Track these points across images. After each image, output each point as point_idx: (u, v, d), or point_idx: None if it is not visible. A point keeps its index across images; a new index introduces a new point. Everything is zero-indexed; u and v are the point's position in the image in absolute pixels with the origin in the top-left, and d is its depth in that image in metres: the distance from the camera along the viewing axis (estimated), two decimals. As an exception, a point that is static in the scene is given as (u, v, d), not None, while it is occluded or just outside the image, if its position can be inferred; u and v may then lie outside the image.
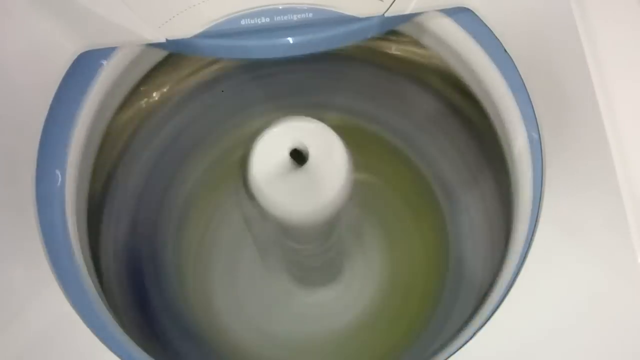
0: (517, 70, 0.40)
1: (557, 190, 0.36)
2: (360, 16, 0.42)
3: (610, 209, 0.32)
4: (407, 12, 0.42)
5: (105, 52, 0.41)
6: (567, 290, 0.33)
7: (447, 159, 0.62)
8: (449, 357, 0.33)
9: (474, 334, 0.33)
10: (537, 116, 0.39)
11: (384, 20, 0.42)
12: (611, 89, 0.33)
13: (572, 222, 0.34)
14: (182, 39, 0.41)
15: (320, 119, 0.42)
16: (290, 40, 0.42)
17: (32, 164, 0.37)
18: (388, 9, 0.42)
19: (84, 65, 0.41)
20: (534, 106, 0.39)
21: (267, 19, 0.41)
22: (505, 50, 0.41)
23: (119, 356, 0.33)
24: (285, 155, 0.39)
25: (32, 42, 0.38)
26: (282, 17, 0.41)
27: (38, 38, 0.38)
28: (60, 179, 0.39)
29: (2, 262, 0.33)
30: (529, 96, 0.40)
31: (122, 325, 0.38)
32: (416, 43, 0.48)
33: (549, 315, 0.33)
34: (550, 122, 0.38)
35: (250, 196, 0.41)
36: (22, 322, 0.32)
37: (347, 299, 0.70)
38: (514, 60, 0.41)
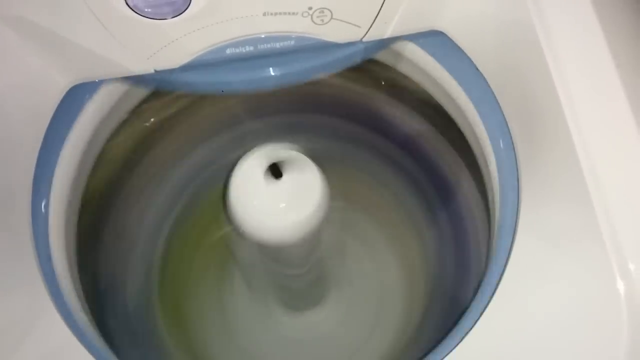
0: (490, 88, 0.42)
1: (532, 201, 0.37)
2: (340, 42, 0.44)
3: (583, 216, 0.33)
4: (386, 36, 0.44)
5: (96, 85, 0.43)
6: (547, 296, 0.34)
7: (425, 177, 0.64)
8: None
9: (456, 345, 0.34)
10: (510, 131, 0.41)
11: (364, 47, 0.44)
12: (576, 101, 0.35)
13: (548, 230, 0.36)
14: (170, 73, 0.42)
15: (294, 141, 0.44)
16: (275, 72, 0.44)
17: (27, 196, 0.38)
18: (365, 34, 0.44)
19: (75, 98, 0.42)
20: (507, 122, 0.41)
21: (252, 48, 0.43)
22: (477, 69, 0.43)
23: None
24: (260, 177, 0.41)
25: (24, 77, 0.39)
26: (265, 45, 0.43)
27: (30, 73, 0.39)
28: (51, 210, 0.40)
29: (3, 292, 0.34)
30: (501, 111, 0.41)
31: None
32: (394, 70, 0.50)
33: (530, 321, 0.34)
34: (522, 136, 0.40)
35: (231, 221, 0.42)
36: (26, 350, 0.33)
37: (333, 321, 0.71)
38: (486, 78, 0.43)
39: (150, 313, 0.62)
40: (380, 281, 0.72)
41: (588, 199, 0.32)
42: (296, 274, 0.58)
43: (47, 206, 0.39)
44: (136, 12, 0.37)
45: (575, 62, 0.35)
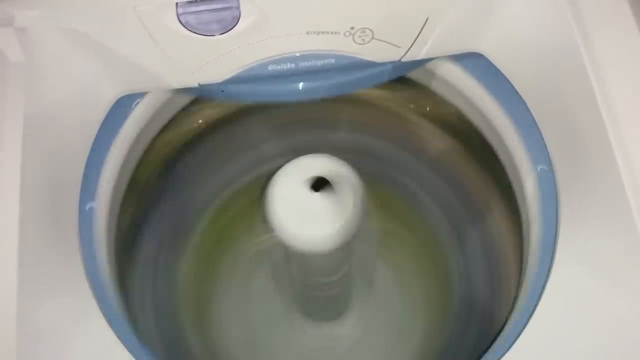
0: (529, 110, 0.42)
1: (572, 223, 0.37)
2: (380, 61, 0.45)
3: (626, 242, 0.33)
4: (420, 57, 0.45)
5: (141, 94, 0.44)
6: (588, 320, 0.34)
7: (454, 199, 0.64)
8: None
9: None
10: (549, 153, 0.41)
11: (399, 65, 0.45)
12: (622, 126, 0.35)
13: (590, 255, 0.35)
14: (213, 84, 0.44)
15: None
16: (303, 86, 0.45)
17: (75, 198, 0.40)
18: (405, 54, 0.44)
19: (121, 108, 0.43)
20: (546, 143, 0.41)
21: (293, 65, 0.44)
22: (517, 91, 0.43)
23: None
24: (301, 186, 0.42)
25: (77, 88, 0.41)
26: (306, 62, 0.44)
27: (83, 85, 0.41)
28: (96, 213, 0.41)
29: (49, 293, 0.35)
30: (541, 134, 0.41)
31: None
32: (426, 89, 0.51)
33: (570, 346, 0.34)
34: (562, 158, 0.40)
35: (272, 228, 0.43)
36: (71, 351, 0.33)
37: (356, 334, 0.70)
38: (525, 100, 0.43)
39: (176, 318, 0.63)
40: (403, 299, 0.72)
41: (633, 225, 0.32)
42: (327, 282, 0.59)
43: (92, 209, 0.40)
44: (187, 28, 0.38)
45: (621, 87, 0.35)
